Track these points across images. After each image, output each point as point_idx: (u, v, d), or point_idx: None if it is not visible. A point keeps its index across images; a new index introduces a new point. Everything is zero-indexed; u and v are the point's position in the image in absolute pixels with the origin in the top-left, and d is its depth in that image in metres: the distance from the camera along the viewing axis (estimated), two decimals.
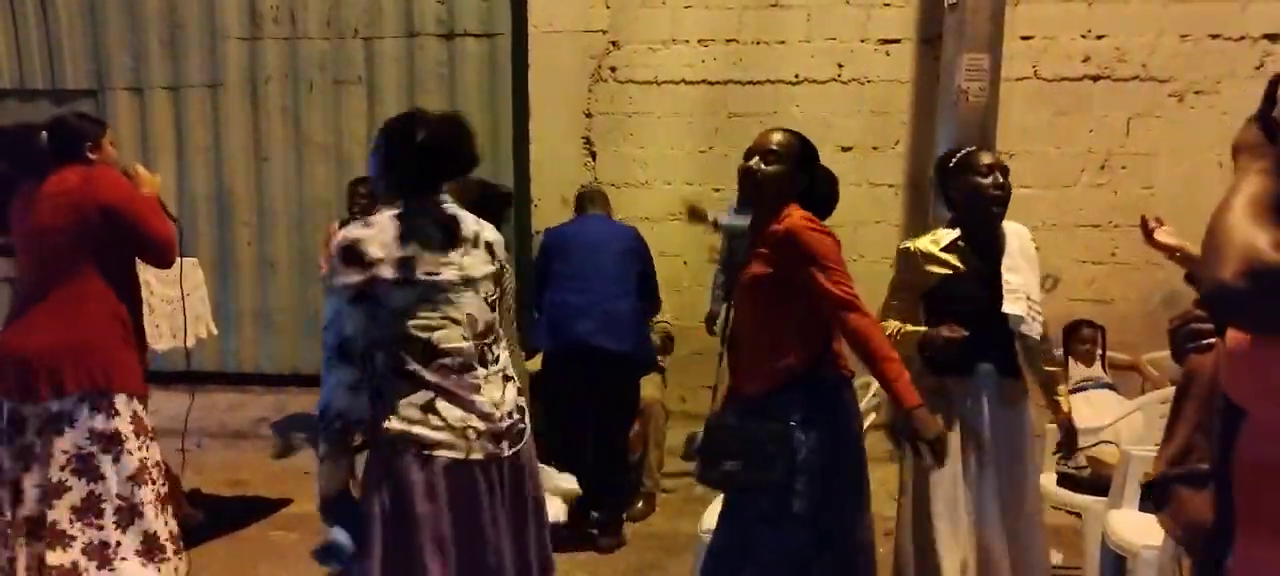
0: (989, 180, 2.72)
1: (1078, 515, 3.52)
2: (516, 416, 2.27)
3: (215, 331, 4.67)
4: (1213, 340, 1.66)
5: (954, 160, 2.82)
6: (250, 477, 4.77)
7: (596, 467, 4.10)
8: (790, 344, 2.37)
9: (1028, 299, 2.74)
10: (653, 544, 3.93)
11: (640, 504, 4.35)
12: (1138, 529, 2.81)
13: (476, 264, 2.23)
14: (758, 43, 5.44)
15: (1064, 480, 3.57)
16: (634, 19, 5.49)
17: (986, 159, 2.77)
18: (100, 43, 6.21)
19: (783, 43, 5.42)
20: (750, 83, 5.47)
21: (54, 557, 2.70)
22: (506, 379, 2.28)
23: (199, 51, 6.17)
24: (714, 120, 5.47)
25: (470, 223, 2.26)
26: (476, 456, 2.16)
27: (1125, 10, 5.16)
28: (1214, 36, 5.13)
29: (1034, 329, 2.77)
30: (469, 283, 2.20)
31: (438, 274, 2.15)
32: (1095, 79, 5.24)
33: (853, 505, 2.42)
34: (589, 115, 5.60)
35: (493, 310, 2.28)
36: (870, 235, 5.51)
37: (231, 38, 6.12)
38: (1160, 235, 2.98)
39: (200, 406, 5.91)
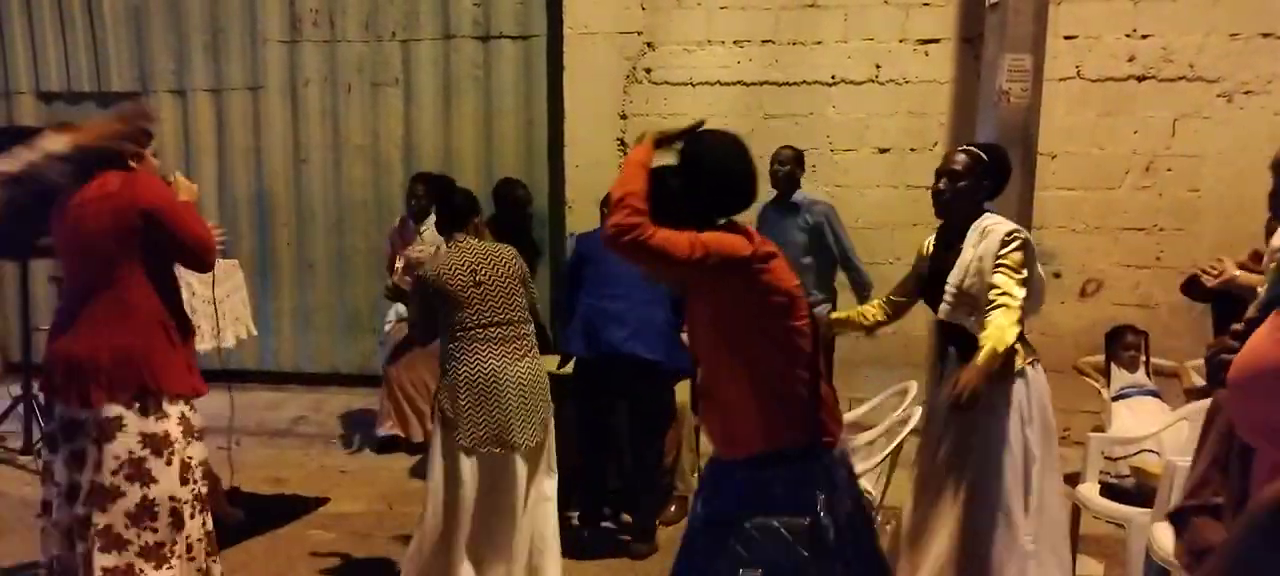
0: (934, 185, 2.94)
1: (1121, 526, 3.44)
2: None
3: (254, 332, 4.72)
4: None
5: None
6: (289, 476, 4.83)
7: (631, 474, 4.09)
8: None
9: (958, 295, 2.82)
10: None
11: (673, 508, 4.33)
12: None
13: None
14: (794, 43, 5.40)
15: (1107, 490, 3.50)
16: (669, 20, 5.47)
17: (942, 164, 2.95)
18: (144, 47, 6.34)
19: (819, 43, 5.38)
20: (786, 84, 5.43)
21: (109, 560, 2.75)
22: None
23: (240, 55, 6.27)
24: (750, 121, 5.43)
25: None
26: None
27: (1172, 9, 5.05)
28: (1266, 35, 5.00)
29: (969, 323, 2.81)
30: None
31: None
32: (1141, 79, 5.14)
33: None
34: (624, 116, 5.60)
35: None
36: (906, 237, 5.44)
37: (272, 41, 6.22)
38: (1208, 282, 3.26)
39: (239, 405, 5.99)
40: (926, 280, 3.02)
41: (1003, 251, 2.74)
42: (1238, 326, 1.88)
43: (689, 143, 2.19)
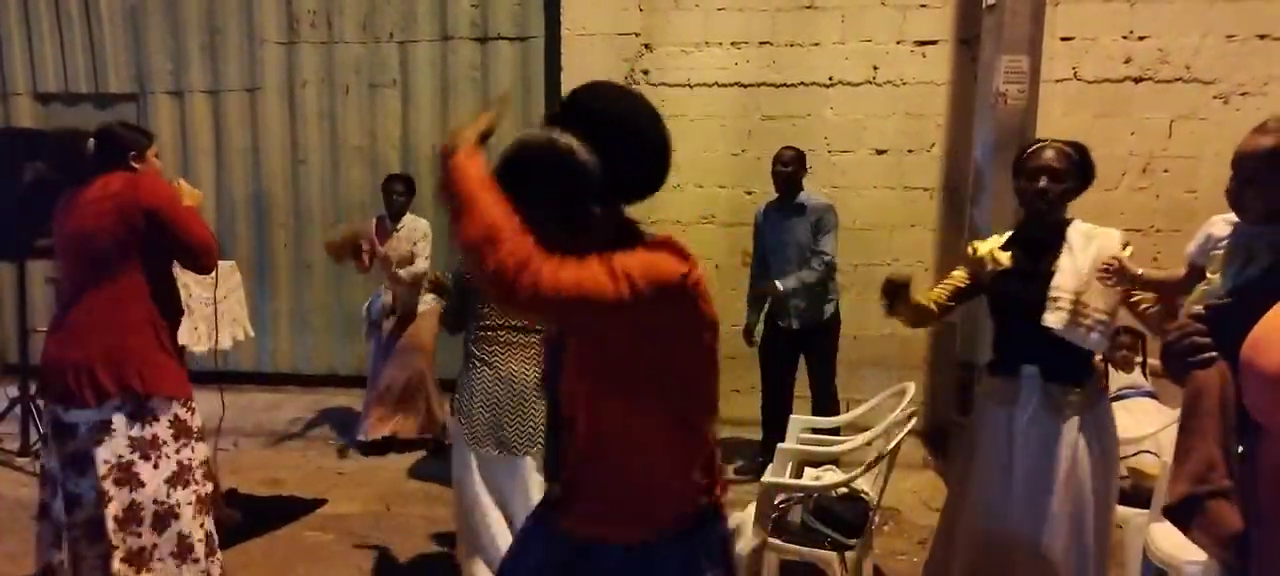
0: (1031, 185, 2.67)
1: (1119, 526, 3.45)
2: None
3: (252, 333, 4.72)
4: (1213, 354, 1.60)
5: (1020, 157, 2.75)
6: (286, 477, 4.82)
7: None
8: None
9: (1077, 304, 2.56)
10: None
11: None
12: (1180, 542, 2.74)
13: None
14: (791, 45, 5.41)
15: None
16: (667, 21, 5.48)
17: (1036, 161, 2.66)
18: (142, 48, 6.33)
19: (817, 45, 5.39)
20: (784, 85, 5.44)
21: (114, 564, 2.77)
22: None
23: (238, 56, 6.27)
24: (747, 122, 5.45)
25: None
26: None
27: (1169, 10, 5.06)
28: (1262, 37, 5.02)
29: (1088, 340, 2.58)
30: None
31: None
32: (1137, 81, 5.15)
33: None
34: None
35: None
36: (904, 238, 5.46)
37: (269, 43, 6.21)
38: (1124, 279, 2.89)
39: (237, 407, 5.99)
40: (998, 288, 2.73)
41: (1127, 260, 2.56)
42: (1198, 310, 1.88)
43: (596, 98, 1.54)
